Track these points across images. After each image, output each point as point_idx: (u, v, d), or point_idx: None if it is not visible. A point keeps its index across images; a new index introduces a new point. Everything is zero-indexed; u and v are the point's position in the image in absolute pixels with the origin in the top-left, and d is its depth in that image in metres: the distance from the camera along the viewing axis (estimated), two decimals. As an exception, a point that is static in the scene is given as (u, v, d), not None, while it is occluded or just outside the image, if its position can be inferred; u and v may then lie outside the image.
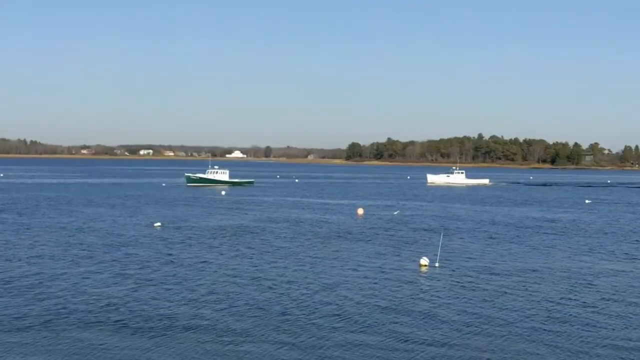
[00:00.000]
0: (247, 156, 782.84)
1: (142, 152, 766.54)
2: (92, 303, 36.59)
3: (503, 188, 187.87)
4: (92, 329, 31.54)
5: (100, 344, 29.17)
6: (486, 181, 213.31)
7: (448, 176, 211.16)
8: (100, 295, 38.62)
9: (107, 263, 49.25)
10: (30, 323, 32.23)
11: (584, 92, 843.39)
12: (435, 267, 49.90)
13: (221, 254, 54.64)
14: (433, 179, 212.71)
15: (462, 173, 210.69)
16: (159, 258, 52.04)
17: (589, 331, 32.99)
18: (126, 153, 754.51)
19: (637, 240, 69.68)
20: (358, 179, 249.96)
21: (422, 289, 42.34)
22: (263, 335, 31.10)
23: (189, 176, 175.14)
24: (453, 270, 48.74)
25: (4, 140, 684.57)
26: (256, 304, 37.07)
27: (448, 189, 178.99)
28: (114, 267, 47.49)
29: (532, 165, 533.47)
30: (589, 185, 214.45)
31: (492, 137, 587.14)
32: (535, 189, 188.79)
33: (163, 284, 41.94)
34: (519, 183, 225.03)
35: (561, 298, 40.38)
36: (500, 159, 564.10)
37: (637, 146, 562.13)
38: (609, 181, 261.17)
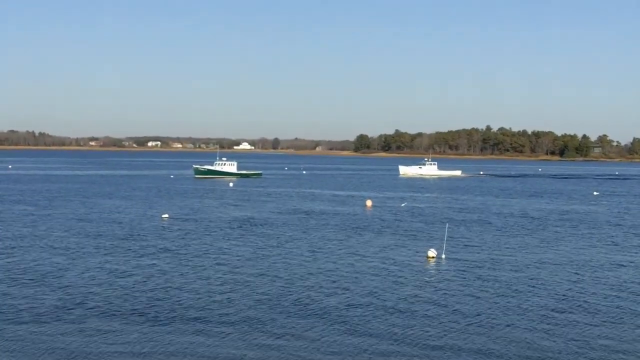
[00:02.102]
0: (255, 148, 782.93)
1: (150, 143, 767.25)
2: (102, 293, 37.18)
3: (474, 179, 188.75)
4: (106, 318, 32.14)
5: (113, 332, 29.77)
6: (458, 172, 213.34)
7: (420, 167, 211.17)
8: (111, 285, 39.20)
9: (117, 254, 49.87)
10: (45, 312, 32.88)
11: (593, 83, 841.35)
12: (442, 258, 50.31)
13: (230, 246, 55.14)
14: (405, 170, 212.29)
15: (434, 164, 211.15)
16: (167, 249, 52.58)
17: (596, 324, 33.37)
18: (134, 145, 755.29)
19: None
20: (345, 170, 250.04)
21: (429, 281, 42.77)
22: (274, 324, 31.60)
23: (197, 168, 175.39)
24: (459, 262, 49.15)
25: (12, 132, 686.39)
26: (266, 294, 37.57)
27: (420, 180, 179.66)
28: (124, 258, 48.08)
29: (541, 157, 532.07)
30: (566, 177, 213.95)
31: (500, 129, 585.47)
32: (508, 180, 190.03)
33: (174, 275, 42.48)
34: (492, 174, 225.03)
35: (568, 290, 40.74)
36: (508, 150, 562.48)
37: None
38: (617, 173, 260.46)
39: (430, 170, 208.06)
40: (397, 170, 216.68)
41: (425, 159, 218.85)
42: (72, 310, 33.34)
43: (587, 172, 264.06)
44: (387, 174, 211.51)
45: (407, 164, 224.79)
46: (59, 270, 43.21)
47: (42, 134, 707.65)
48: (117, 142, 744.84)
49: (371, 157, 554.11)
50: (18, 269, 43.56)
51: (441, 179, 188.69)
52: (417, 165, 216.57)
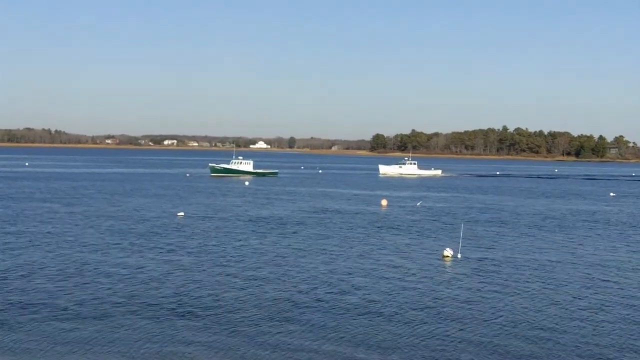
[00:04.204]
0: (271, 147, 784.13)
1: (166, 142, 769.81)
2: (121, 290, 37.62)
3: (453, 179, 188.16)
4: (125, 313, 32.59)
5: (133, 327, 30.22)
6: (438, 172, 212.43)
7: (400, 167, 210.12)
8: (130, 281, 39.64)
9: (134, 251, 50.39)
10: (65, 307, 33.36)
11: (610, 84, 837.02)
12: (458, 258, 50.47)
13: (246, 244, 55.49)
14: (385, 170, 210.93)
15: (414, 164, 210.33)
16: (183, 247, 52.99)
17: (612, 323, 33.46)
18: (150, 143, 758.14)
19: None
20: (342, 169, 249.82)
21: (445, 280, 42.91)
22: (292, 322, 31.92)
23: (213, 166, 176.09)
24: (474, 261, 49.29)
25: (28, 129, 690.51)
26: (284, 292, 37.88)
27: (399, 179, 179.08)
28: (141, 255, 48.55)
29: (557, 158, 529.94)
30: (539, 177, 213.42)
31: (517, 129, 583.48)
32: (484, 179, 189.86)
33: (192, 273, 42.87)
34: (470, 174, 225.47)
35: (585, 290, 40.77)
36: (524, 151, 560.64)
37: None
38: (633, 174, 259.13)
39: (410, 169, 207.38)
40: (378, 169, 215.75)
41: (406, 158, 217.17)
42: (92, 305, 33.79)
43: (603, 173, 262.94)
44: (369, 173, 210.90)
45: (387, 163, 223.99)
46: (78, 266, 43.70)
47: (58, 132, 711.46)
48: (133, 140, 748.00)
49: (387, 156, 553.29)
50: (39, 264, 44.11)
51: (421, 178, 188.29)
52: (397, 164, 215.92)
